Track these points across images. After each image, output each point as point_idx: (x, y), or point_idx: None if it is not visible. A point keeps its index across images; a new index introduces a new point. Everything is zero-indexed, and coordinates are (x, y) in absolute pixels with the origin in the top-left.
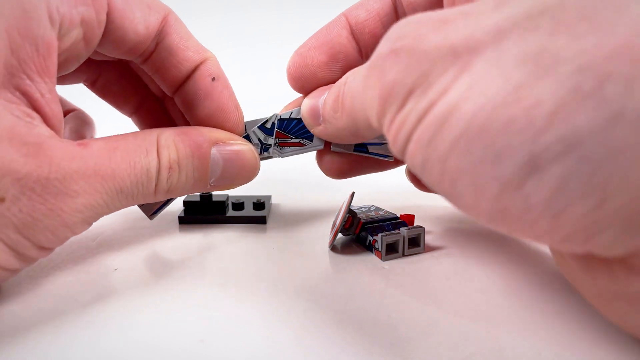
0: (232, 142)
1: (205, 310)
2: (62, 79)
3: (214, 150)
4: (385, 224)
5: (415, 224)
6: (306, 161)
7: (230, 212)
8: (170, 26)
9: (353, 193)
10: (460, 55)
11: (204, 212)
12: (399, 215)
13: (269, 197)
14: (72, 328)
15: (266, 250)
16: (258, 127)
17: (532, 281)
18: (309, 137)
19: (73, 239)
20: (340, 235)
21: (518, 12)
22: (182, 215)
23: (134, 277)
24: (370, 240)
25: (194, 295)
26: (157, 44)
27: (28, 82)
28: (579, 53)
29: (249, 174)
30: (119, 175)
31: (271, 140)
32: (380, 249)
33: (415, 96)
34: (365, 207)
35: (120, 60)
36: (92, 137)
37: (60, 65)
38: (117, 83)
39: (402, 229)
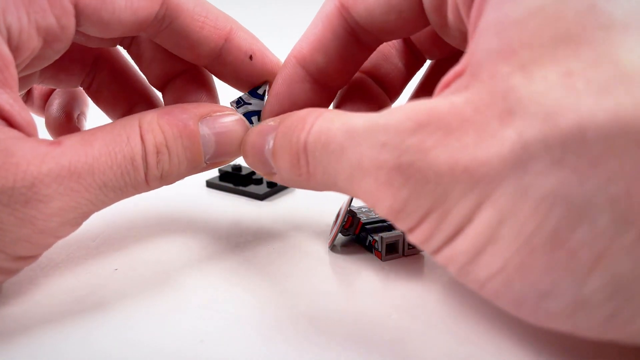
0: (219, 114)
1: (205, 310)
2: (62, 81)
3: (202, 127)
4: (385, 224)
5: None
6: None
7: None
8: (175, 7)
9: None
10: (477, 181)
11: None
12: None
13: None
14: (72, 328)
15: (266, 250)
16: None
17: None
18: None
19: (73, 239)
20: (340, 235)
21: (532, 138)
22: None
23: (134, 277)
24: (370, 240)
25: (194, 295)
26: (166, 27)
27: None
28: (613, 201)
29: (240, 147)
30: (99, 170)
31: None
32: (380, 249)
33: (437, 216)
34: (365, 207)
35: (114, 64)
36: (82, 112)
37: (27, 68)
38: (108, 87)
39: None
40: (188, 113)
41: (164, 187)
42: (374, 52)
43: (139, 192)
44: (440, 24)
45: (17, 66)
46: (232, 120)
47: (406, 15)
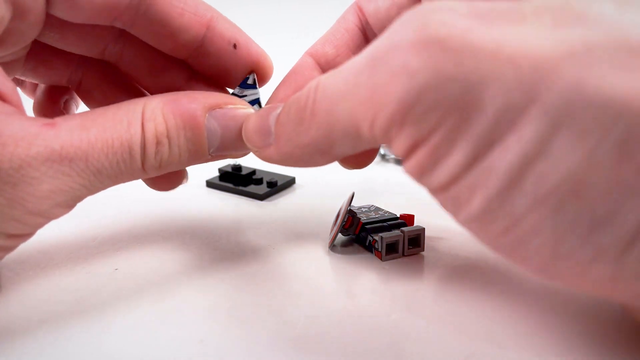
0: (230, 106)
1: (205, 310)
2: (42, 75)
3: (209, 118)
4: (385, 224)
5: (415, 224)
6: None
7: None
8: None
9: (353, 193)
10: (525, 76)
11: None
12: (398, 215)
13: (292, 179)
14: (72, 328)
15: (266, 250)
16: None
17: (532, 281)
18: None
19: (73, 239)
20: (340, 235)
21: (598, 41)
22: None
23: (134, 277)
24: (370, 240)
25: (194, 295)
26: (142, 14)
27: None
28: None
29: (248, 139)
30: (92, 156)
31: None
32: (380, 249)
33: (459, 116)
34: (365, 207)
35: (105, 62)
36: (71, 97)
37: (3, 46)
38: (98, 88)
39: (402, 229)
40: (196, 103)
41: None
42: None
43: (136, 179)
44: None
45: None
46: (243, 113)
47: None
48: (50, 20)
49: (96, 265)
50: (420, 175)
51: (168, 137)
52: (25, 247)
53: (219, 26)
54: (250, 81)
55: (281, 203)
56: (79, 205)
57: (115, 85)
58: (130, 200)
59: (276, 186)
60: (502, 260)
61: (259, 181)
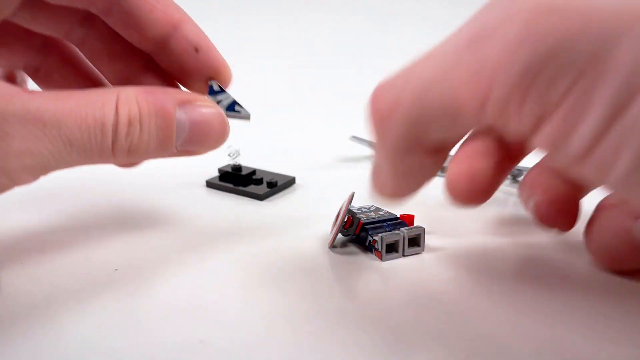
0: (199, 103)
1: (205, 310)
2: (2, 59)
3: (179, 111)
4: (385, 224)
5: (415, 224)
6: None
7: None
8: None
9: (353, 193)
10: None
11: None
12: (398, 216)
13: (292, 179)
14: (72, 328)
15: (266, 250)
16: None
17: (533, 282)
18: None
19: (73, 239)
20: (340, 235)
21: None
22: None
23: (134, 277)
24: (370, 240)
25: (194, 295)
26: (117, 3)
27: None
28: None
29: (217, 138)
30: (66, 124)
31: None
32: (380, 249)
33: (589, 78)
34: (365, 207)
35: (65, 46)
36: (23, 80)
37: None
38: (59, 72)
39: (402, 229)
40: (168, 95)
41: (164, 187)
42: None
43: (104, 162)
44: None
45: None
46: (211, 111)
47: None
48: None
49: (96, 266)
50: (556, 147)
51: (140, 121)
52: (26, 247)
53: (185, 28)
54: (215, 87)
55: (281, 203)
56: (79, 205)
57: (75, 69)
58: (130, 201)
59: (276, 186)
60: (503, 261)
61: (259, 181)
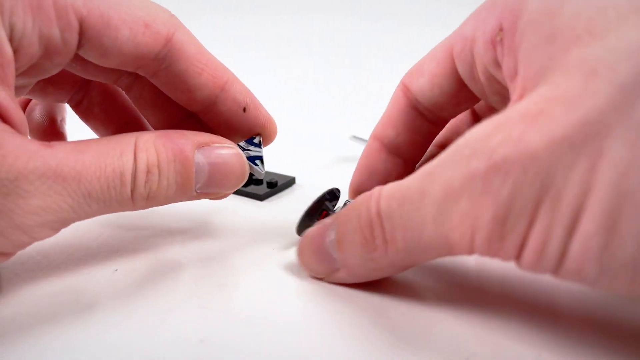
0: (217, 145)
1: (205, 310)
2: (49, 95)
3: (198, 155)
4: None
5: None
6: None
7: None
8: (178, 50)
9: (336, 189)
10: (580, 145)
11: None
12: None
13: (292, 179)
14: (72, 328)
15: (266, 250)
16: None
17: (533, 282)
18: None
19: (73, 239)
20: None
21: (628, 78)
22: None
23: (134, 277)
24: None
25: (194, 295)
26: (165, 67)
27: None
28: None
29: (237, 180)
30: (85, 178)
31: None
32: None
33: (547, 207)
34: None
35: (107, 85)
36: (63, 118)
37: (23, 76)
38: (100, 106)
39: None
40: (186, 139)
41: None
42: (446, 128)
43: (123, 210)
44: (478, 90)
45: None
46: (230, 153)
47: (447, 90)
48: (76, 56)
49: (96, 266)
50: (535, 267)
51: (159, 167)
52: (26, 248)
53: (233, 89)
54: (256, 141)
55: (281, 203)
56: None
57: (117, 105)
58: None
59: (276, 186)
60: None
61: (259, 181)
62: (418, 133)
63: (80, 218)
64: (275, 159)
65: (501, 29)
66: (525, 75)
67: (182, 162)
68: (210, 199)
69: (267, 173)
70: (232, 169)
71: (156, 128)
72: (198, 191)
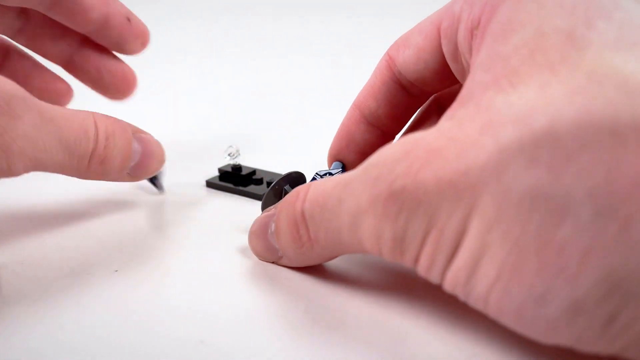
0: (146, 134)
1: (205, 311)
2: None
3: (133, 138)
4: None
5: None
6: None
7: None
8: None
9: (300, 173)
10: (461, 192)
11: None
12: None
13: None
14: (71, 329)
15: None
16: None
17: None
18: None
19: (73, 239)
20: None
21: (508, 141)
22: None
23: (134, 278)
24: None
25: (194, 295)
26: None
27: None
28: (592, 193)
29: (159, 164)
30: (61, 125)
31: None
32: None
33: (433, 237)
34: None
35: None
36: None
37: None
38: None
39: None
40: (125, 123)
41: (164, 187)
42: (429, 103)
43: (78, 172)
44: (458, 71)
45: None
46: (155, 140)
47: (432, 66)
48: None
49: (96, 266)
50: (426, 276)
51: (114, 138)
52: (26, 248)
53: (115, 4)
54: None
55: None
56: (78, 205)
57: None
58: (130, 201)
59: None
60: None
61: (259, 181)
62: (399, 106)
63: (47, 165)
64: (275, 159)
65: (478, 24)
66: (463, 89)
67: (124, 140)
68: (130, 181)
69: (268, 173)
70: (158, 154)
71: (57, 62)
72: (129, 172)
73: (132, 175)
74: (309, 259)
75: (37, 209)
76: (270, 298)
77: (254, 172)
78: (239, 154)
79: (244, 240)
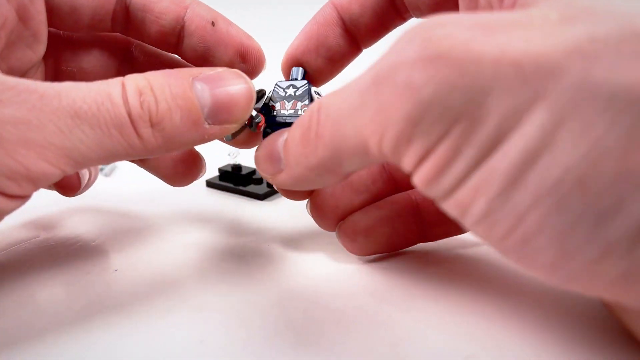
0: (211, 72)
1: (205, 310)
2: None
3: (194, 82)
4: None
5: None
6: None
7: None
8: None
9: (261, 91)
10: (528, 75)
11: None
12: None
13: None
14: (71, 329)
15: (266, 250)
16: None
17: (533, 281)
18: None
19: (73, 239)
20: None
21: (603, 33)
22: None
23: (134, 278)
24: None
25: (194, 295)
26: (126, 8)
27: None
28: None
29: (243, 97)
30: (67, 96)
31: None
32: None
33: (465, 126)
34: (293, 87)
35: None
36: None
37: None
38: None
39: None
40: (177, 70)
41: (164, 187)
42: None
43: (134, 148)
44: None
45: None
46: (227, 71)
47: None
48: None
49: (96, 266)
50: (428, 185)
51: (152, 89)
52: (26, 248)
53: (197, 7)
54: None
55: (281, 203)
56: (78, 205)
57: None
58: (130, 201)
59: None
60: (503, 260)
61: (259, 181)
62: (383, 21)
63: (82, 150)
64: None
65: None
66: None
67: (179, 86)
68: (224, 134)
69: None
70: (236, 91)
71: None
72: (209, 122)
73: (216, 123)
74: (308, 168)
75: (37, 209)
76: (270, 298)
77: (254, 171)
78: (239, 154)
79: (243, 240)
